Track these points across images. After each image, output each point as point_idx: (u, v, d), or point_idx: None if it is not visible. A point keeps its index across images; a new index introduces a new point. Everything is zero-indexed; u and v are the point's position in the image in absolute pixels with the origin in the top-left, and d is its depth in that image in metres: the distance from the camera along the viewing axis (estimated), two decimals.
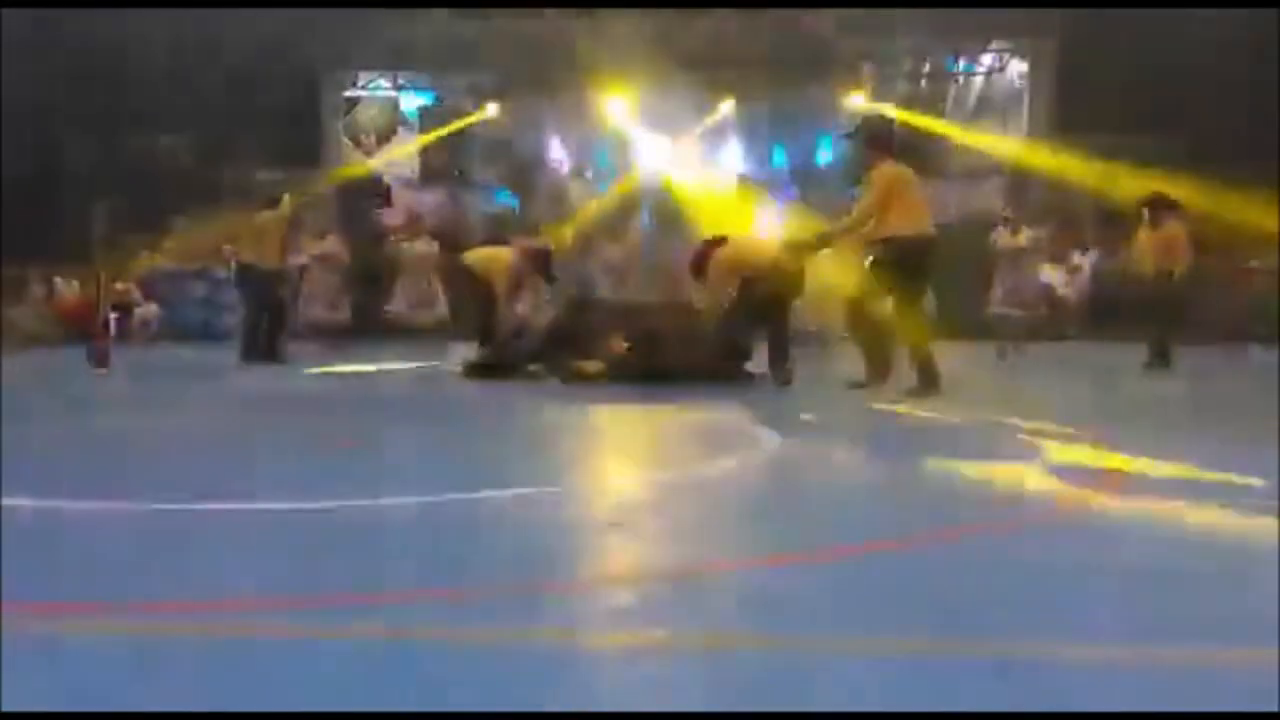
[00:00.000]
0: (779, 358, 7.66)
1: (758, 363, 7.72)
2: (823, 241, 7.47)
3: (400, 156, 17.88)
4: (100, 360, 9.77)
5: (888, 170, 6.50)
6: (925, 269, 6.62)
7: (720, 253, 7.80)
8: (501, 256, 9.30)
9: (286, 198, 10.69)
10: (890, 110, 14.91)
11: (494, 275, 9.00)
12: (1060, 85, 15.81)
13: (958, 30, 15.95)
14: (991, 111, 17.16)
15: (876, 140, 6.74)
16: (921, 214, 6.52)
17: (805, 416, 5.84)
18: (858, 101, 16.23)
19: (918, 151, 15.14)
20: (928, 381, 6.34)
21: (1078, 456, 4.17)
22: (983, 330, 11.22)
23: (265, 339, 10.17)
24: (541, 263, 9.42)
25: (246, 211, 10.75)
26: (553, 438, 5.18)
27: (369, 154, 17.84)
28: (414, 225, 11.80)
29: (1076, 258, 14.86)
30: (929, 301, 11.20)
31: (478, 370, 8.28)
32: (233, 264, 11.77)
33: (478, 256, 9.59)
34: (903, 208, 6.39)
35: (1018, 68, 16.82)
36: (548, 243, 10.65)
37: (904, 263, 6.42)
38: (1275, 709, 1.50)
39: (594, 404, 6.41)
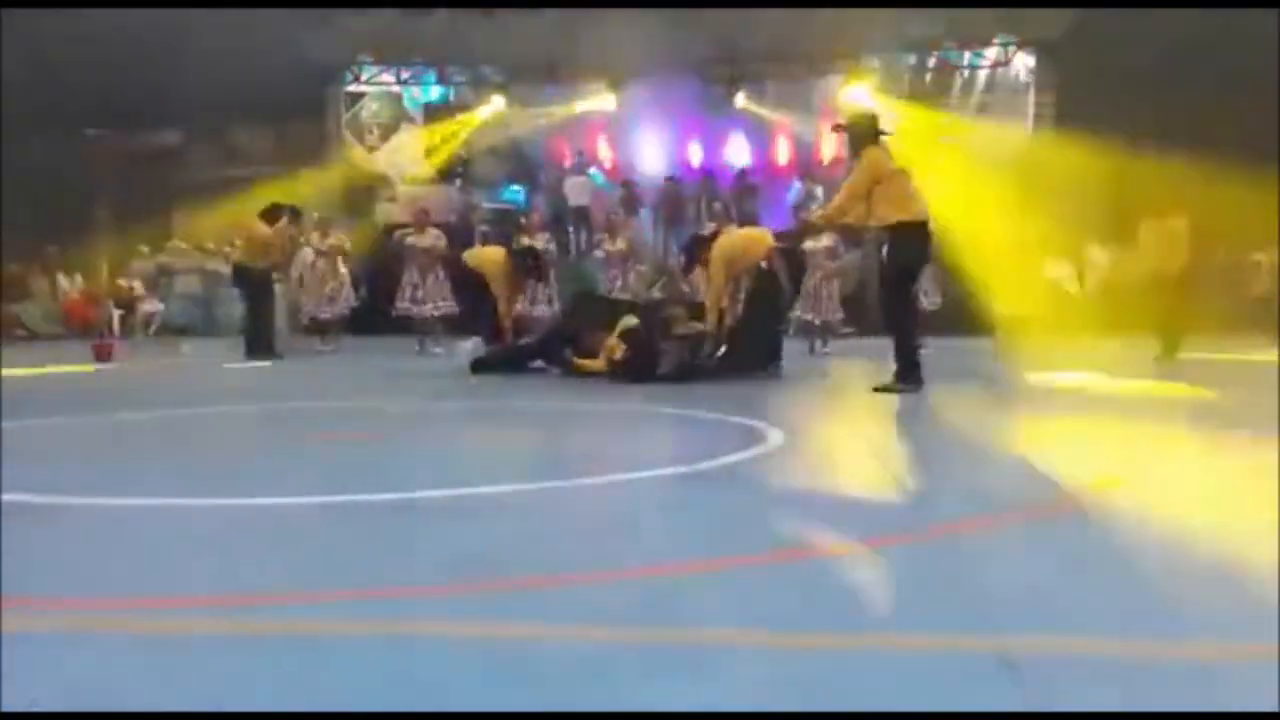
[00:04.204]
0: (774, 350, 7.68)
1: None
2: (810, 229, 7.46)
3: (406, 152, 17.92)
4: (103, 355, 9.84)
5: (871, 156, 6.50)
6: (917, 255, 6.54)
7: (717, 244, 7.84)
8: (496, 256, 9.42)
9: (289, 205, 10.75)
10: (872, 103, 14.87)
11: (490, 273, 9.11)
12: (1065, 78, 15.77)
13: (963, 23, 15.91)
14: (997, 104, 17.14)
15: (860, 129, 6.72)
16: (911, 199, 6.48)
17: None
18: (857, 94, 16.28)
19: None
20: (911, 372, 6.32)
21: None
22: (983, 325, 11.19)
23: (264, 334, 10.23)
24: (532, 264, 9.50)
25: (248, 210, 10.79)
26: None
27: (372, 149, 17.87)
28: (421, 219, 11.82)
29: (1094, 252, 14.79)
30: (932, 296, 11.28)
31: (482, 365, 8.31)
32: (231, 262, 11.78)
33: (474, 255, 9.79)
34: (890, 194, 6.37)
35: (1023, 60, 16.80)
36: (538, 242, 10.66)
37: (895, 248, 6.41)
38: (1275, 709, 1.49)
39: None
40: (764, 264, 7.79)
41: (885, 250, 6.53)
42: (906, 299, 6.56)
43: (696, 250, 8.15)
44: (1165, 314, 9.45)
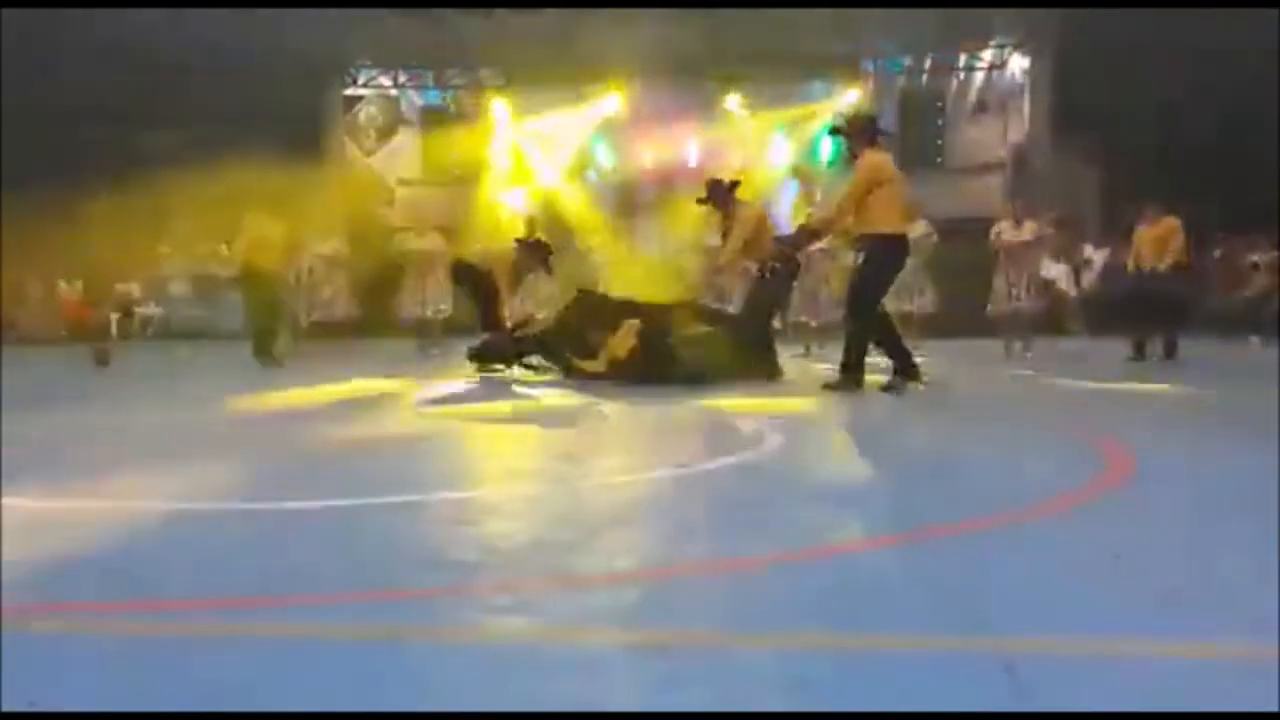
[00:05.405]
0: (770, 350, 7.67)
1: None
2: (808, 234, 7.43)
3: (403, 155, 17.92)
4: (102, 359, 9.85)
5: (869, 160, 6.51)
6: (889, 270, 6.58)
7: (750, 211, 7.86)
8: (503, 251, 9.44)
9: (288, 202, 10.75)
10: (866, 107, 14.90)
11: (496, 269, 9.12)
12: (1060, 80, 15.80)
13: (959, 26, 15.93)
14: (992, 107, 17.17)
15: (859, 130, 6.73)
16: (897, 211, 6.50)
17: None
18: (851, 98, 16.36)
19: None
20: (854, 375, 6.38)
21: None
22: (984, 327, 11.23)
23: (265, 338, 10.21)
24: (541, 257, 9.53)
25: (247, 212, 10.77)
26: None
27: (370, 152, 17.86)
28: (421, 223, 11.86)
29: (1088, 252, 14.86)
30: (929, 298, 11.32)
31: (480, 356, 8.33)
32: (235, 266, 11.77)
33: (480, 252, 9.78)
34: (880, 203, 6.38)
35: (1019, 63, 16.82)
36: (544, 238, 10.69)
37: (871, 259, 6.44)
38: (1275, 709, 1.49)
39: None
40: (758, 270, 7.85)
41: (861, 258, 6.57)
42: (875, 309, 6.59)
43: (719, 194, 8.06)
44: (1158, 315, 9.48)
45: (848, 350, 6.53)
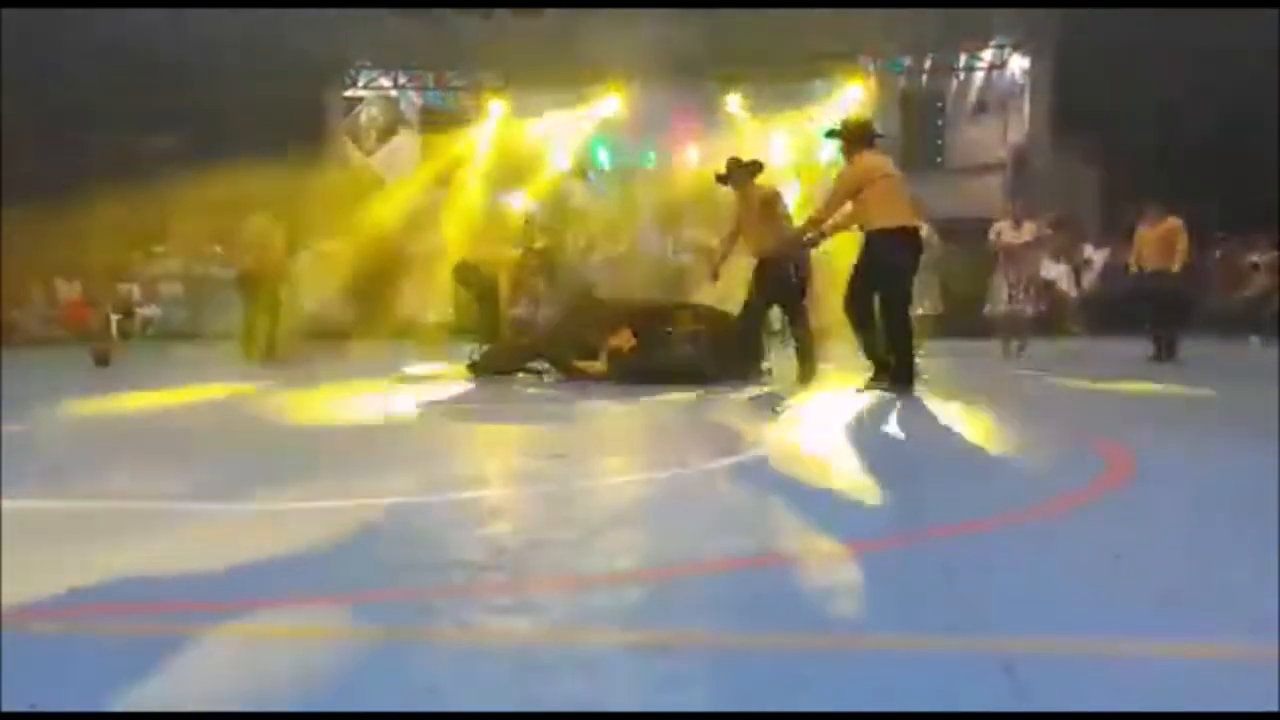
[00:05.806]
0: (805, 354, 7.60)
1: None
2: (805, 233, 7.41)
3: (402, 157, 17.93)
4: (102, 359, 9.88)
5: (859, 161, 6.50)
6: (904, 261, 6.46)
7: (767, 191, 7.81)
8: (506, 255, 9.45)
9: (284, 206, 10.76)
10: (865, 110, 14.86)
11: (499, 273, 9.14)
12: (1060, 80, 15.79)
13: (959, 26, 15.93)
14: (992, 107, 17.17)
15: (854, 134, 6.73)
16: (900, 204, 6.46)
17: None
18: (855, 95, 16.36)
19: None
20: (905, 378, 6.30)
21: None
22: (985, 328, 11.21)
23: (266, 339, 10.23)
24: (544, 262, 9.54)
25: (246, 213, 10.78)
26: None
27: (370, 153, 17.87)
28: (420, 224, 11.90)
29: (1088, 252, 14.85)
30: (932, 299, 11.29)
31: (482, 366, 8.31)
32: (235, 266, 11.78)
33: (482, 255, 9.78)
34: (878, 198, 6.35)
35: (1019, 63, 16.82)
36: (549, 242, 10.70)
37: (882, 254, 6.37)
38: (1275, 709, 1.49)
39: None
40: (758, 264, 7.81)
41: (862, 252, 6.51)
42: (902, 301, 6.51)
43: (739, 174, 7.93)
44: (1160, 315, 9.48)
45: (895, 353, 6.43)
